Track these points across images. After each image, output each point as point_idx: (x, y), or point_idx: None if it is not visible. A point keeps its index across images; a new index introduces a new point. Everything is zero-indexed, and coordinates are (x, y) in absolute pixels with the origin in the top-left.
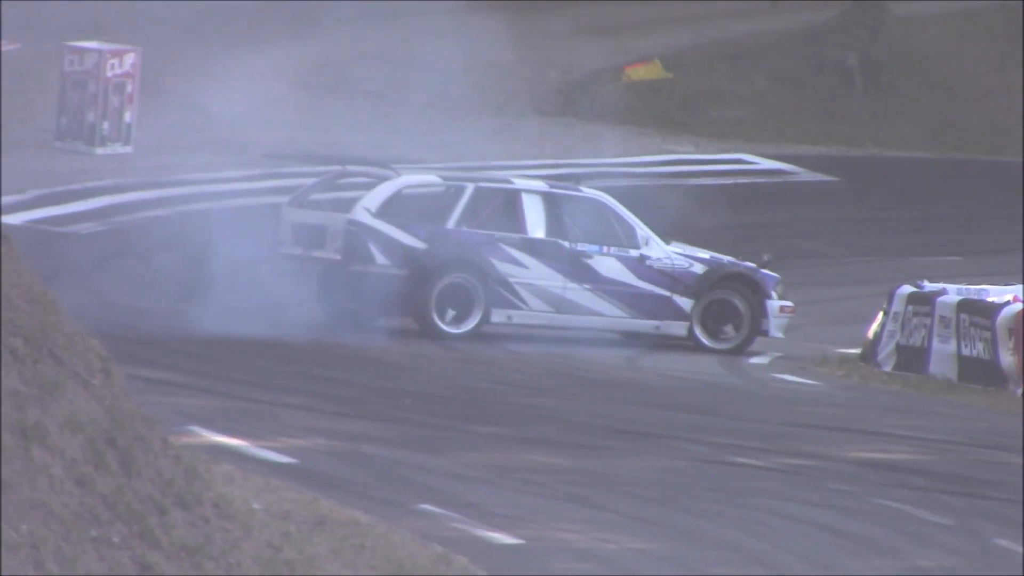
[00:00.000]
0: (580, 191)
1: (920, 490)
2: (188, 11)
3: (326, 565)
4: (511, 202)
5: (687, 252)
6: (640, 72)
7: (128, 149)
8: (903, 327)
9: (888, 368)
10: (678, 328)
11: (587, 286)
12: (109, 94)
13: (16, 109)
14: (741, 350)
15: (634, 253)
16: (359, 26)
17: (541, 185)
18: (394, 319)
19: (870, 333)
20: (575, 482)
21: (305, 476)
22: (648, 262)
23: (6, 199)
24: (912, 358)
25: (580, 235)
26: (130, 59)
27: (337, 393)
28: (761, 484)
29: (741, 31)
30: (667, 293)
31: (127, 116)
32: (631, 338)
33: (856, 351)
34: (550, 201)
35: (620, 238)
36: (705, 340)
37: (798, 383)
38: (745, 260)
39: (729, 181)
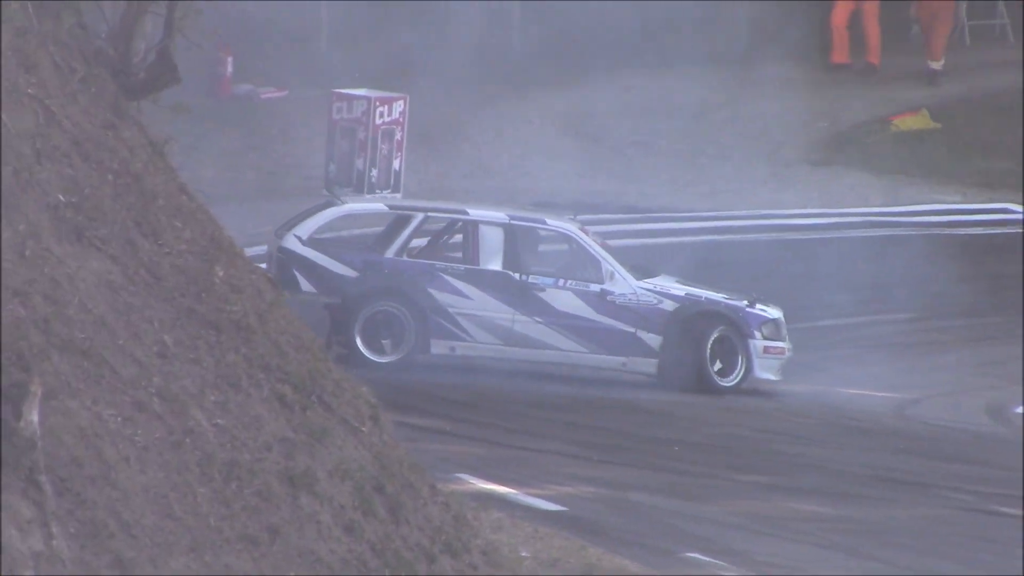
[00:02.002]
0: (545, 223)
1: None
2: (455, 59)
3: None
4: (466, 232)
5: (659, 288)
6: (907, 122)
7: (397, 196)
8: None
9: None
10: (646, 365)
11: (539, 319)
12: (378, 141)
13: (285, 156)
14: (737, 388)
15: (595, 287)
16: (625, 76)
17: (501, 216)
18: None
19: None
20: (840, 531)
21: (573, 524)
22: (610, 297)
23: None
24: None
25: (539, 268)
26: (399, 106)
27: (603, 441)
28: None
29: (1008, 81)
30: (631, 329)
31: (396, 163)
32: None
33: None
34: (510, 233)
35: (583, 272)
36: (717, 379)
37: None
38: (736, 300)
39: (996, 231)
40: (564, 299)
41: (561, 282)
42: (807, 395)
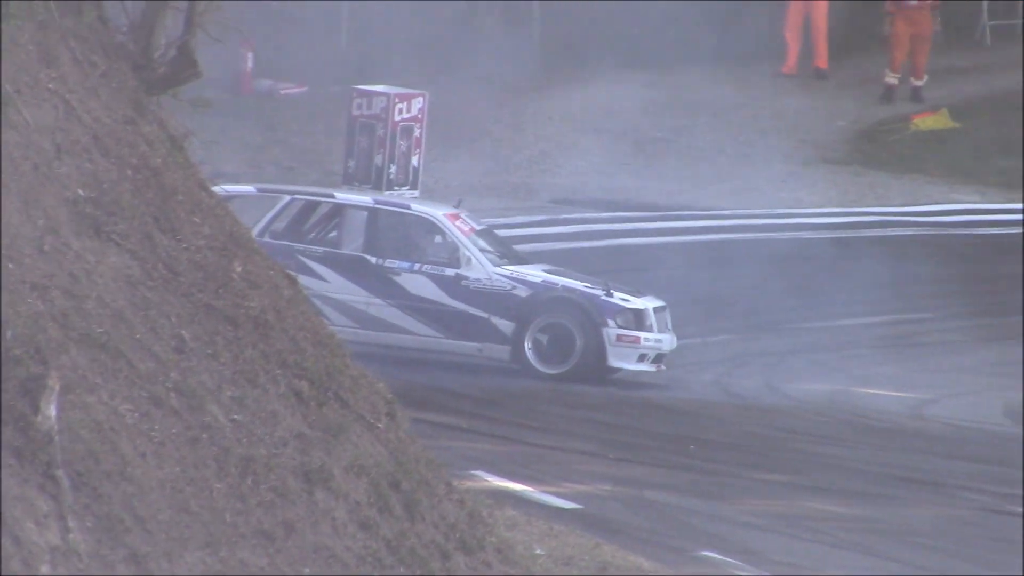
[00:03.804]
0: (409, 208)
1: None
2: (471, 57)
3: None
4: (332, 215)
5: (515, 274)
6: (928, 122)
7: (415, 193)
8: None
9: None
10: (500, 352)
11: (392, 303)
12: (397, 138)
13: (305, 152)
14: (578, 377)
15: (450, 272)
16: (646, 72)
17: (367, 200)
18: None
19: None
20: (858, 530)
21: (588, 522)
22: (464, 282)
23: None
24: None
25: (399, 252)
26: (418, 103)
27: (621, 439)
28: None
29: None
30: (484, 314)
31: (414, 160)
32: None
33: None
34: (373, 216)
35: (441, 256)
36: (536, 364)
37: None
38: (595, 288)
39: (1015, 231)
40: (418, 283)
41: (417, 266)
42: (824, 394)
